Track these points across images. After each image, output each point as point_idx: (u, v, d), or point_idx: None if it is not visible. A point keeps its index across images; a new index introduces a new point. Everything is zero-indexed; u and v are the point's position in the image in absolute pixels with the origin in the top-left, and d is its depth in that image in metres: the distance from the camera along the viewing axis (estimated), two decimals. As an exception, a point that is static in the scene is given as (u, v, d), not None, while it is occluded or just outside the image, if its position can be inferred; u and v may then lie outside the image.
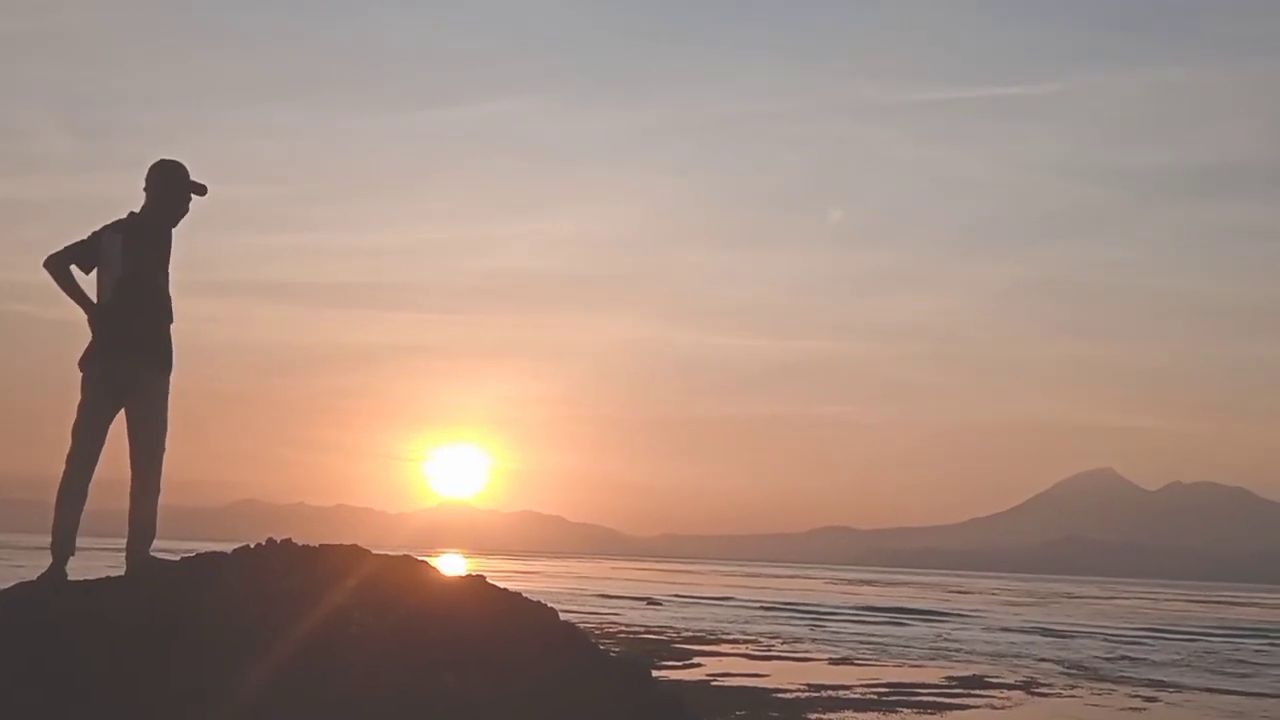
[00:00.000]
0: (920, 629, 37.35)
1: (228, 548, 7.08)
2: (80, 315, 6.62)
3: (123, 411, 6.68)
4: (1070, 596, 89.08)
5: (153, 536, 6.72)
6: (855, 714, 15.99)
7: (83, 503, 6.62)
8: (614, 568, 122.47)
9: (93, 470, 6.66)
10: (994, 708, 17.78)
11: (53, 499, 6.60)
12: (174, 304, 6.77)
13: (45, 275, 6.59)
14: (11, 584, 6.58)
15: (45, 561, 6.59)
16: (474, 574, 7.01)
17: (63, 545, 6.55)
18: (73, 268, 6.65)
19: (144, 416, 6.65)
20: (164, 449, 6.72)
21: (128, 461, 6.69)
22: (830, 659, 24.83)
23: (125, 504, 6.65)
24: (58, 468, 6.61)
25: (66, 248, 6.66)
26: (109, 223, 6.72)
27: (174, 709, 5.59)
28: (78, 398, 6.64)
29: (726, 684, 18.80)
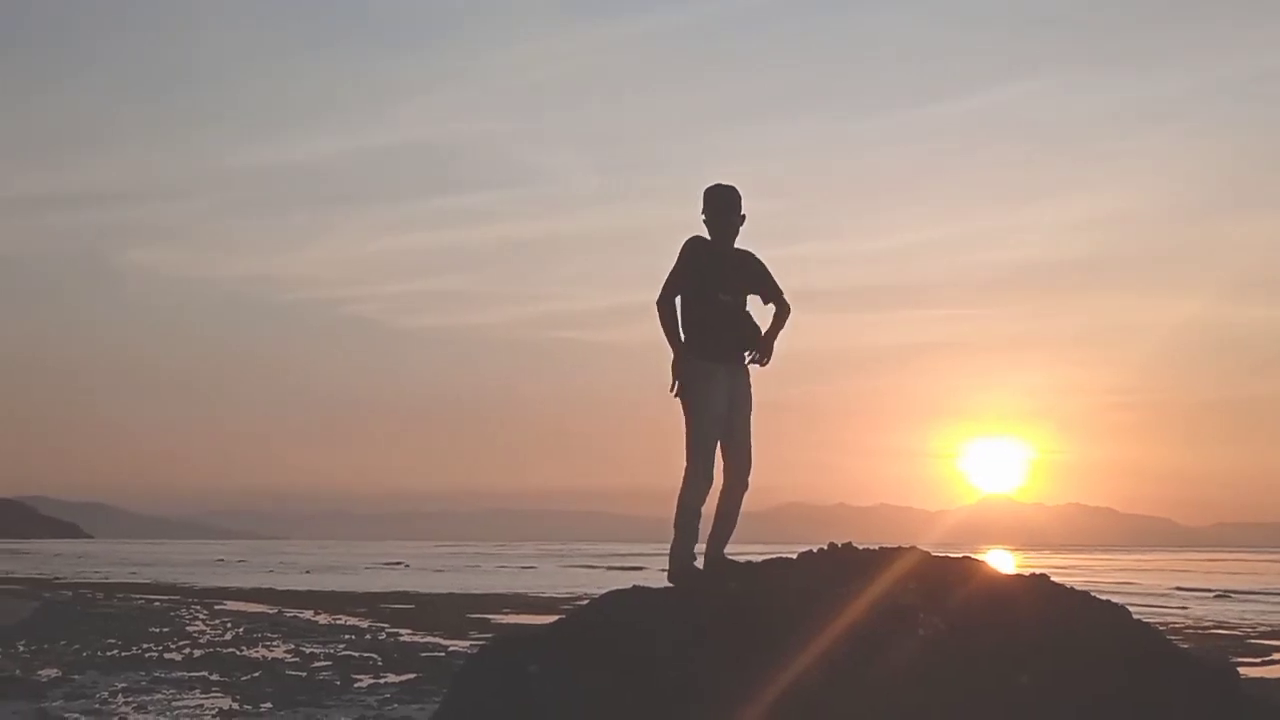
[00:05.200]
0: None
1: (777, 550, 7.35)
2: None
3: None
4: None
5: (730, 535, 7.10)
6: None
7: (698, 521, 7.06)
8: (1170, 560, 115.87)
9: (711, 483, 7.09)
10: None
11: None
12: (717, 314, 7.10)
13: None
14: (603, 591, 7.13)
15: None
16: (1037, 573, 6.90)
17: (689, 557, 6.95)
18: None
19: (741, 425, 7.02)
20: (751, 455, 7.08)
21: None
22: None
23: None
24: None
25: (668, 284, 7.02)
26: (690, 238, 7.09)
27: (745, 706, 5.86)
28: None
29: (1314, 683, 17.40)
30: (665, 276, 7.05)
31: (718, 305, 7.00)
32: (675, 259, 7.03)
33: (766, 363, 7.10)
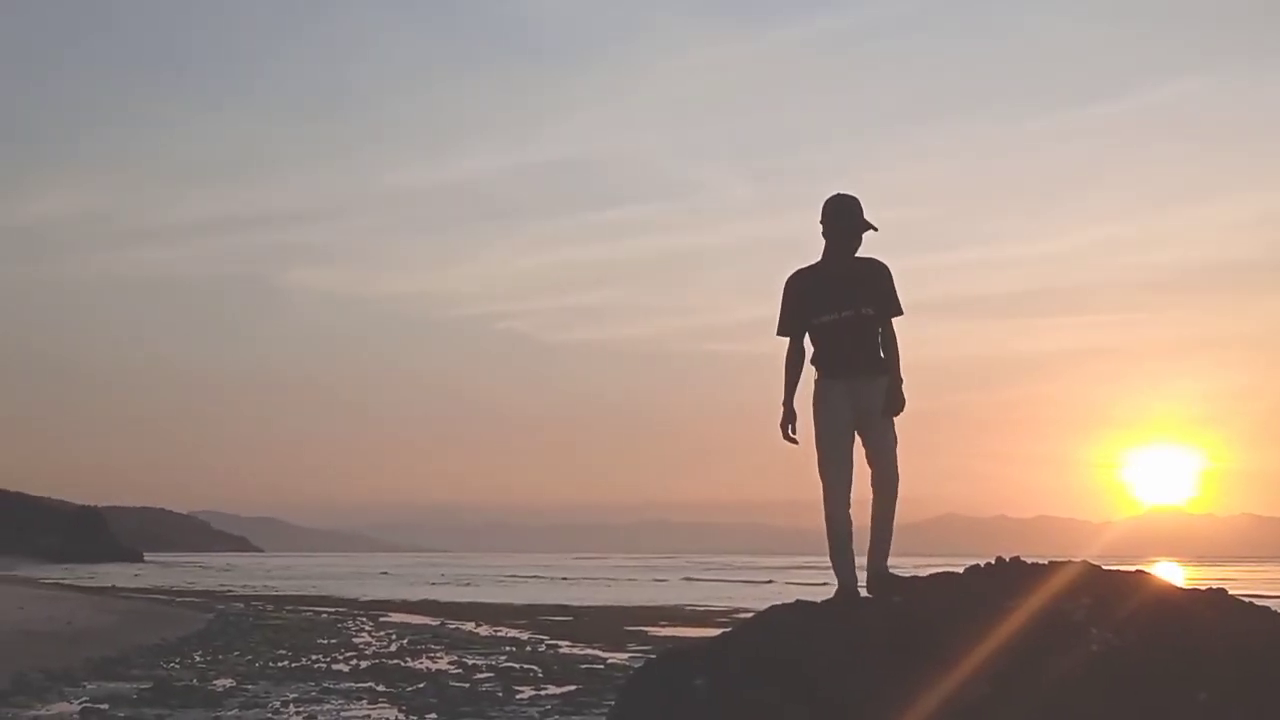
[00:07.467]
0: None
1: (935, 562, 7.25)
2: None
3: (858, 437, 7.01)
4: None
5: (888, 548, 7.02)
6: None
7: (851, 527, 6.99)
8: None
9: (850, 497, 7.01)
10: None
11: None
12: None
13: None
14: (766, 606, 7.12)
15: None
16: (1213, 587, 6.70)
17: (845, 572, 6.90)
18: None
19: (878, 437, 6.93)
20: (895, 466, 6.99)
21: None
22: None
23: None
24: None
25: (791, 339, 7.04)
26: (798, 270, 7.06)
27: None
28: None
29: None
30: None
31: (819, 327, 6.93)
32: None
33: (898, 412, 6.97)
